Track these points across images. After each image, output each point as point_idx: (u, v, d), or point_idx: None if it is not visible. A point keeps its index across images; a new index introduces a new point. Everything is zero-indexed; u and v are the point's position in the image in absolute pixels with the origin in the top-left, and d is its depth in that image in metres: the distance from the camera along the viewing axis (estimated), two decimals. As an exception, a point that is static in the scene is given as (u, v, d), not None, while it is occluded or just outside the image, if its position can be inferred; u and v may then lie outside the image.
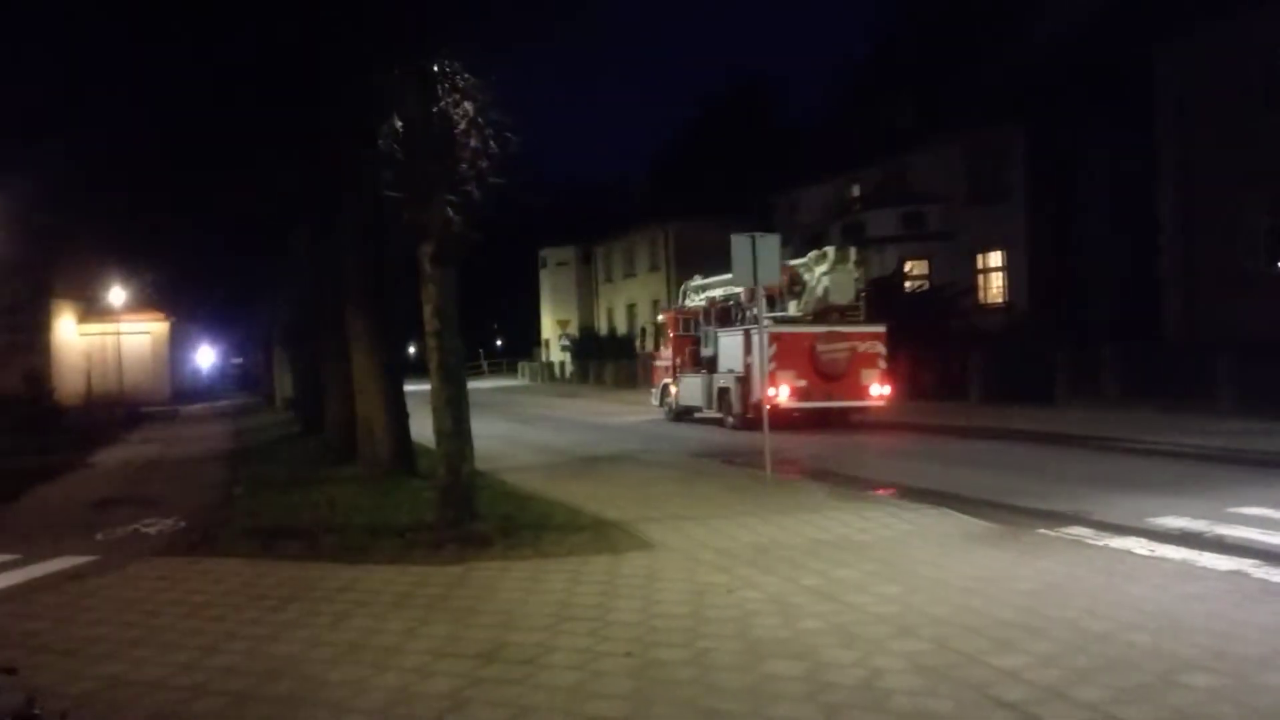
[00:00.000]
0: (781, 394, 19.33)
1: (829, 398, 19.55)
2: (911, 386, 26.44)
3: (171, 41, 13.28)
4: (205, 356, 61.02)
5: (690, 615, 6.28)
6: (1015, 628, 5.79)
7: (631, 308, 52.94)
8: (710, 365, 22.10)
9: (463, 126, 9.06)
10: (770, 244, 12.21)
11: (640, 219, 50.77)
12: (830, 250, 20.69)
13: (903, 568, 7.34)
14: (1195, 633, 5.63)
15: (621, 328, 53.44)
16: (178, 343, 48.47)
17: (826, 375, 19.57)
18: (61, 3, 14.30)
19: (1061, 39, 29.01)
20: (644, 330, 30.52)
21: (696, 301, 24.18)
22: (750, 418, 19.47)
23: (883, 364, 19.89)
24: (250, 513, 10.94)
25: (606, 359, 46.98)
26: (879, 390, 19.83)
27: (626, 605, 6.55)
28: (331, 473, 14.08)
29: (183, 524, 10.95)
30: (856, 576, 7.11)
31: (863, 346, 19.79)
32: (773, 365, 19.10)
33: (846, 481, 12.34)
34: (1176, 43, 24.84)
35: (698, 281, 24.68)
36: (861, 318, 20.22)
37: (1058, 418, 19.50)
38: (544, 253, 61.57)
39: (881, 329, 20.07)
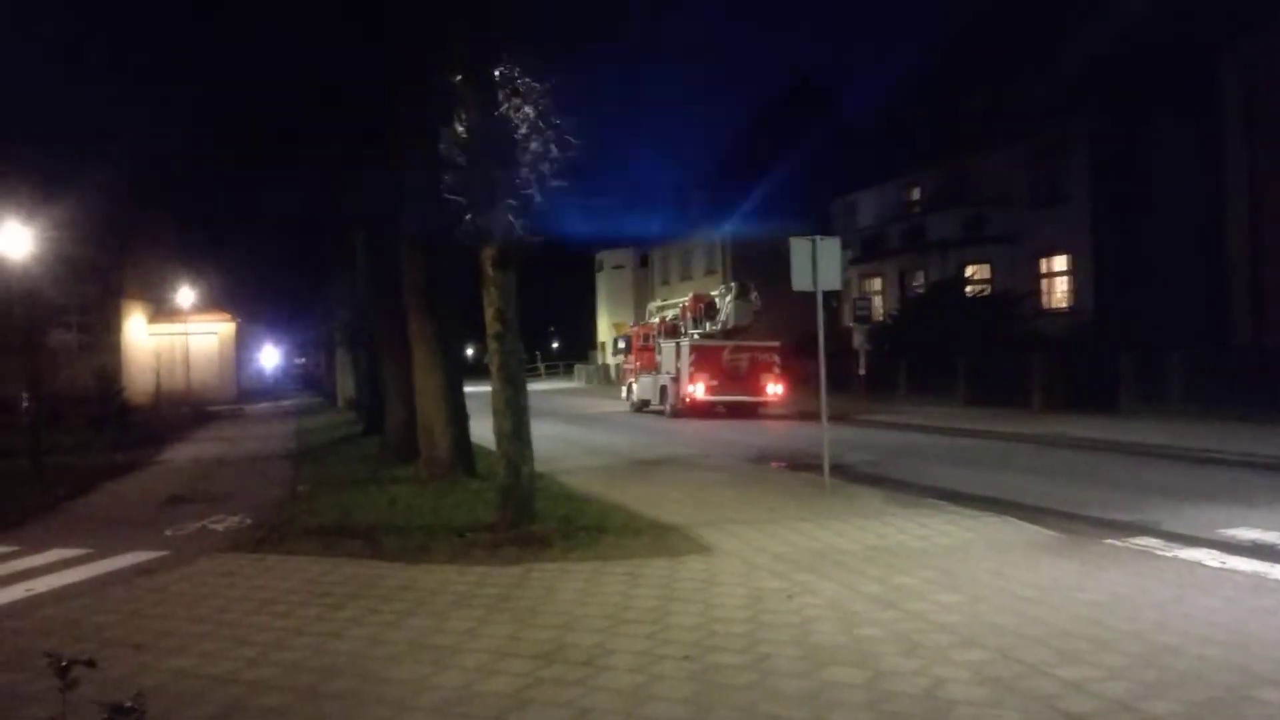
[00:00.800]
0: (698, 390, 26.58)
1: (735, 394, 26.53)
2: (970, 393, 26.10)
3: (238, 45, 13.58)
4: (269, 357, 62.23)
5: (749, 620, 6.26)
6: (1082, 639, 5.68)
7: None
8: (658, 368, 29.32)
9: (524, 131, 9.13)
10: (831, 248, 12.11)
11: (697, 222, 50.71)
12: (734, 284, 28.73)
13: (964, 576, 7.24)
14: (1268, 647, 5.48)
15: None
16: (243, 343, 49.51)
17: (732, 377, 26.66)
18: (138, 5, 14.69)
19: (1125, 35, 28.41)
20: (615, 340, 39.51)
21: (655, 318, 31.99)
22: (679, 408, 27.07)
23: (777, 370, 27.00)
24: (313, 511, 11.13)
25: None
26: (774, 389, 26.84)
27: (685, 609, 6.55)
28: (392, 472, 14.28)
29: (249, 521, 11.18)
30: (917, 584, 7.03)
31: (761, 356, 26.87)
32: (692, 369, 26.70)
33: (903, 488, 12.21)
34: (1243, 41, 24.20)
35: (657, 302, 33.59)
36: (757, 335, 27.39)
37: (1123, 426, 19.09)
38: (601, 256, 61.70)
39: (776, 344, 27.22)
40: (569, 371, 66.16)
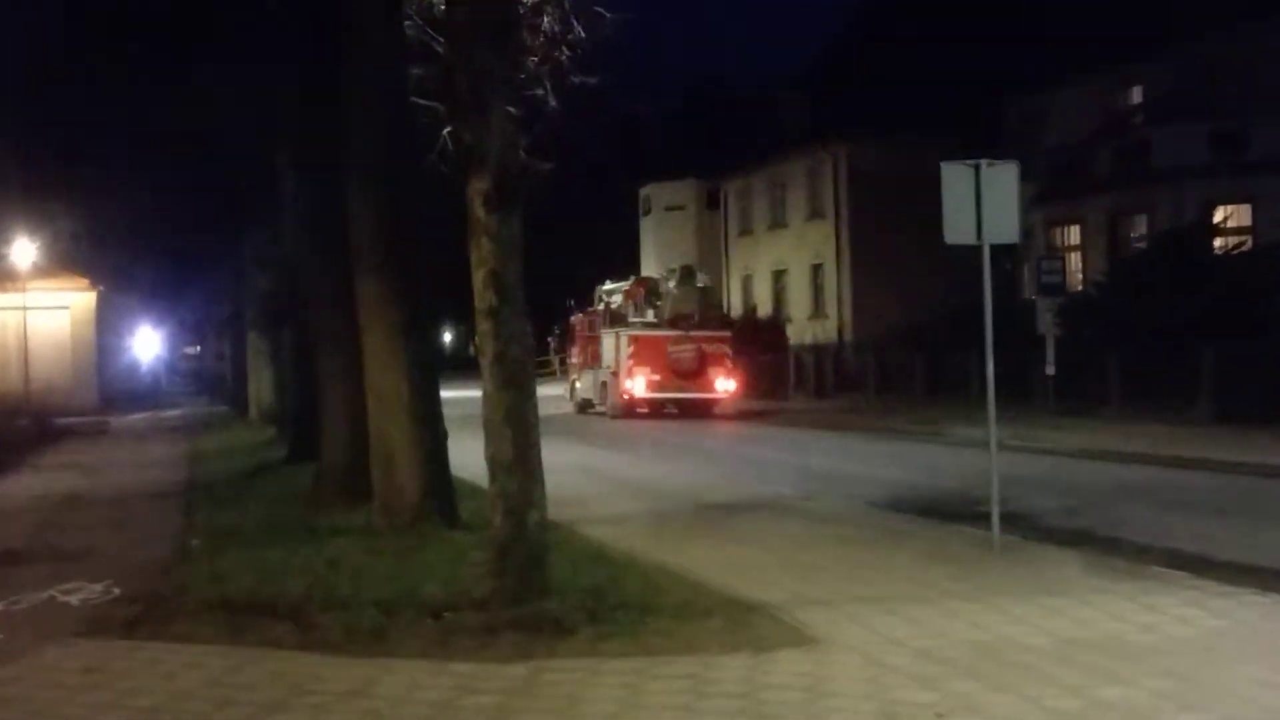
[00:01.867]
0: (638, 386, 34.16)
1: (680, 390, 34.36)
2: (1221, 403, 25.76)
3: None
4: (147, 344, 63.02)
5: (876, 751, 6.23)
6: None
7: (780, 274, 52.85)
8: (599, 362, 37.36)
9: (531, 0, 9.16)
10: (1003, 179, 11.99)
11: (795, 141, 50.51)
12: (678, 267, 38.70)
13: (1213, 686, 7.17)
14: None
15: (765, 304, 53.28)
16: (109, 324, 50.14)
17: (677, 372, 34.49)
18: None
19: None
20: (560, 329, 47.26)
21: (601, 304, 39.83)
22: (620, 406, 34.77)
23: (729, 363, 35.44)
24: (214, 577, 11.20)
25: (740, 350, 46.79)
26: (724, 385, 34.96)
27: (777, 732, 6.53)
28: (332, 519, 14.34)
29: (117, 591, 11.26)
30: (1140, 698, 6.96)
31: (709, 348, 34.93)
32: (631, 362, 34.07)
33: (1116, 549, 12.07)
34: None
35: (608, 286, 40.85)
36: (702, 324, 36.00)
37: None
38: (648, 191, 61.73)
39: (727, 334, 36.74)
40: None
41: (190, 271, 42.35)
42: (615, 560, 11.37)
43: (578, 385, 40.88)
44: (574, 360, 42.82)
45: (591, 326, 40.09)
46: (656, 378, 34.16)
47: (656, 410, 34.87)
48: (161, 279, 48.27)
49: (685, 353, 34.75)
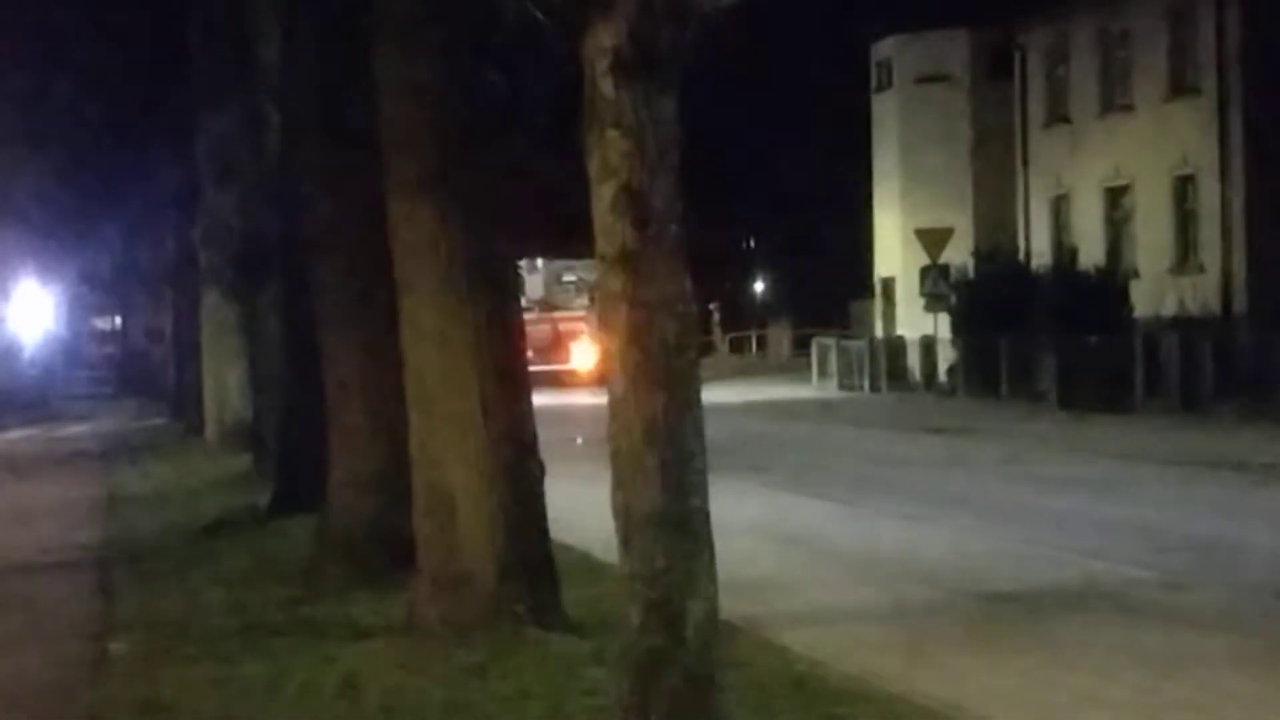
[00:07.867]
0: None
1: (535, 364, 54.32)
2: None
3: None
4: (32, 313, 64.06)
5: None
6: None
7: (1119, 194, 52.24)
8: None
9: None
10: None
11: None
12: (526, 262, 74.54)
13: None
14: None
15: (1092, 244, 52.39)
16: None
17: (534, 348, 55.13)
18: None
19: None
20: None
21: None
22: None
23: (586, 339, 75.52)
24: (149, 708, 11.41)
25: (1044, 328, 46.45)
26: (581, 358, 76.50)
27: None
28: (347, 610, 14.52)
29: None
30: None
31: (563, 326, 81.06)
32: None
33: None
34: None
35: None
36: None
37: None
38: (888, 49, 61.51)
39: (582, 313, 79.85)
40: (797, 353, 66.63)
41: (105, 189, 42.75)
42: (838, 692, 11.24)
43: None
44: None
45: None
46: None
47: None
48: (56, 203, 48.51)
49: (542, 331, 67.22)
